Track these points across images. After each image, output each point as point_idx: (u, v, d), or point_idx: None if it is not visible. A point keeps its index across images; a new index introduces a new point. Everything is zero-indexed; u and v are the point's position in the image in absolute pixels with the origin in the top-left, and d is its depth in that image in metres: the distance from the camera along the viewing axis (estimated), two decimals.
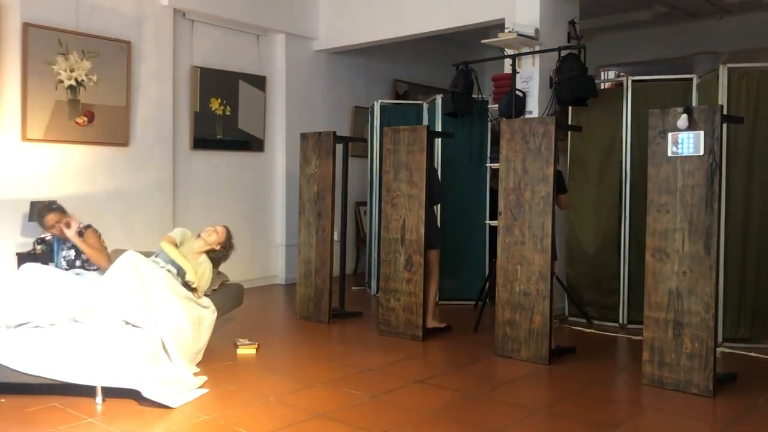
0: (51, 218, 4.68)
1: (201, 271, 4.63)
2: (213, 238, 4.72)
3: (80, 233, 4.71)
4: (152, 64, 6.32)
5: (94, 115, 5.86)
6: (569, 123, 5.73)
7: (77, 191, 5.25)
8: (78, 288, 4.17)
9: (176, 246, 4.58)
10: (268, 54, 7.51)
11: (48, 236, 5.14)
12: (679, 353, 3.94)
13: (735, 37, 8.01)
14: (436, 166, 6.35)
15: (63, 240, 4.73)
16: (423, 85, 9.13)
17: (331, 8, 7.72)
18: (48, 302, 4.01)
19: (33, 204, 5.29)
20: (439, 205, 5.95)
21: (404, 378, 4.18)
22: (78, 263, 4.73)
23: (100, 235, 4.84)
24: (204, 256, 4.71)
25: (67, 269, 4.66)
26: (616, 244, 5.64)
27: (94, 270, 4.73)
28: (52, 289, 4.10)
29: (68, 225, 4.65)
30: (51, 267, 4.40)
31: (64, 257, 4.71)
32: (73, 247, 4.72)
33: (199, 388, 3.84)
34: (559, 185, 4.75)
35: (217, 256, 4.77)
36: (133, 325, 3.86)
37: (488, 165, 6.39)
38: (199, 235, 4.77)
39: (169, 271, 4.42)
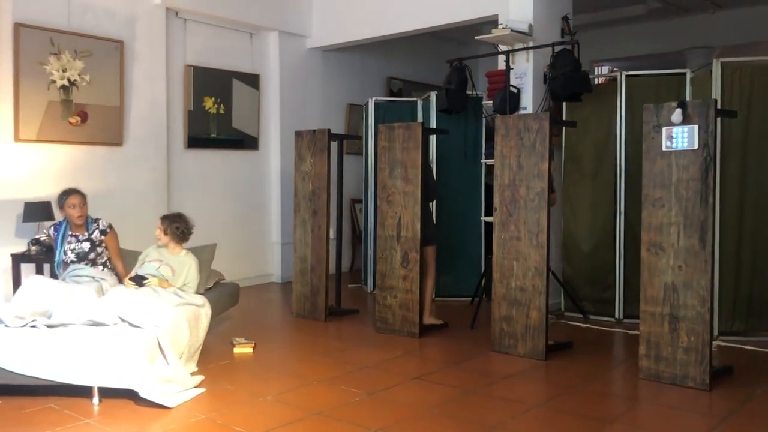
0: (76, 198, 4.73)
1: (188, 265, 4.68)
2: (162, 236, 4.74)
3: (104, 231, 4.83)
4: (145, 64, 6.30)
5: (87, 115, 5.83)
6: (563, 119, 5.74)
7: None
8: (79, 296, 4.22)
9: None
10: (262, 52, 7.50)
11: (43, 236, 5.13)
12: (675, 347, 3.95)
13: (728, 32, 8.03)
14: (431, 162, 6.35)
15: (74, 231, 4.76)
16: (417, 82, 9.13)
17: (324, 5, 7.70)
18: (48, 310, 4.04)
19: (27, 205, 5.27)
20: (434, 202, 5.95)
21: (401, 375, 4.19)
22: (92, 256, 4.76)
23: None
24: (183, 251, 4.78)
25: (75, 261, 4.70)
26: (611, 238, 5.65)
27: (101, 266, 4.78)
28: (53, 300, 4.13)
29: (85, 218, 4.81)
30: (55, 281, 4.41)
31: (73, 249, 4.72)
32: (90, 240, 4.75)
33: (195, 387, 3.84)
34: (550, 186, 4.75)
35: (177, 236, 4.74)
36: (131, 324, 3.85)
37: (483, 161, 6.40)
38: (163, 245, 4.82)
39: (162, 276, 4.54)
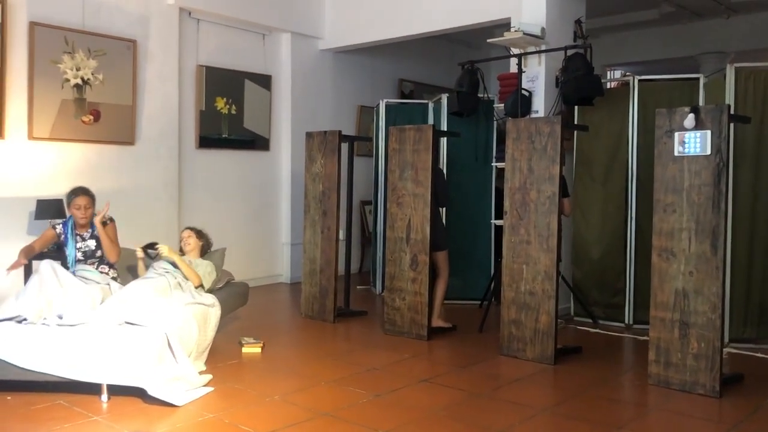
0: (83, 200, 4.69)
1: (204, 264, 4.83)
2: (192, 240, 4.98)
3: (104, 223, 4.79)
4: (158, 63, 6.33)
5: (100, 114, 5.87)
6: (575, 122, 5.71)
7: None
8: (86, 292, 4.24)
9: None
10: (274, 53, 7.52)
11: (58, 229, 5.14)
12: (685, 353, 3.93)
13: (742, 37, 7.99)
14: (441, 165, 6.34)
15: (79, 230, 4.73)
16: (428, 84, 9.12)
17: (337, 7, 7.71)
18: (58, 302, 4.06)
19: (39, 202, 5.31)
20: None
21: (409, 377, 4.18)
22: (99, 253, 4.75)
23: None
24: (200, 259, 4.95)
25: (82, 260, 4.69)
26: (622, 243, 5.62)
27: (106, 266, 4.77)
28: (63, 290, 4.15)
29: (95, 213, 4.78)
30: (66, 273, 4.38)
31: (80, 248, 4.70)
32: (94, 237, 4.74)
33: (204, 386, 3.85)
34: (563, 189, 4.73)
35: (206, 244, 5.08)
36: (137, 324, 3.87)
37: (494, 164, 6.38)
38: (182, 251, 4.99)
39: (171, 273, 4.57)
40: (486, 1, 6.41)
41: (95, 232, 4.75)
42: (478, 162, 6.52)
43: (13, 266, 4.46)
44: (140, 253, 4.77)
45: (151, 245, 4.73)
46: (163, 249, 4.66)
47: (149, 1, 6.24)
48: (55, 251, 5.12)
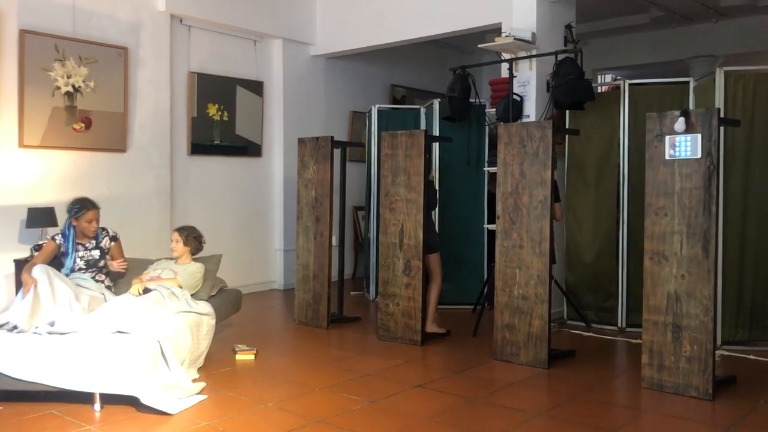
0: (92, 214, 4.71)
1: (190, 271, 4.78)
2: (179, 246, 4.91)
3: (114, 238, 4.86)
4: (149, 70, 6.32)
5: (91, 122, 5.85)
6: (566, 127, 5.74)
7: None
8: (78, 298, 4.23)
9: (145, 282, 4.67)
10: (266, 59, 7.52)
11: (58, 240, 5.12)
12: (678, 356, 3.94)
13: (731, 40, 8.04)
14: (434, 170, 6.36)
15: (81, 239, 4.72)
16: (420, 89, 9.14)
17: (328, 13, 7.73)
18: (50, 309, 4.04)
19: (30, 210, 5.28)
20: (436, 209, 5.94)
21: (403, 383, 4.18)
22: (102, 263, 4.76)
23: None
24: (192, 262, 4.93)
25: (84, 269, 4.68)
26: (614, 247, 5.64)
27: (104, 275, 4.76)
28: (54, 296, 4.14)
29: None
30: (60, 282, 4.35)
31: (82, 257, 4.69)
32: (99, 248, 4.74)
33: (197, 394, 3.84)
34: (555, 194, 4.74)
35: (195, 246, 4.97)
36: (129, 332, 3.85)
37: (486, 169, 6.40)
38: (175, 258, 4.98)
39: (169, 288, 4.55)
40: (477, 7, 6.44)
41: (99, 243, 4.76)
42: (470, 167, 6.53)
43: (27, 290, 4.23)
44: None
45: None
46: (133, 290, 4.47)
47: (140, 9, 6.24)
48: (53, 260, 5.10)
